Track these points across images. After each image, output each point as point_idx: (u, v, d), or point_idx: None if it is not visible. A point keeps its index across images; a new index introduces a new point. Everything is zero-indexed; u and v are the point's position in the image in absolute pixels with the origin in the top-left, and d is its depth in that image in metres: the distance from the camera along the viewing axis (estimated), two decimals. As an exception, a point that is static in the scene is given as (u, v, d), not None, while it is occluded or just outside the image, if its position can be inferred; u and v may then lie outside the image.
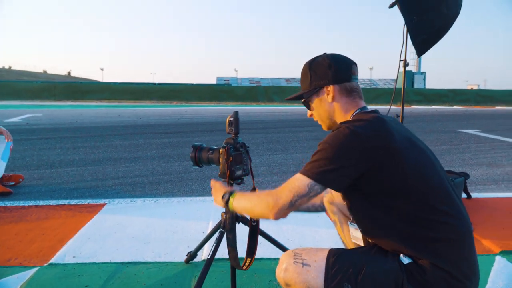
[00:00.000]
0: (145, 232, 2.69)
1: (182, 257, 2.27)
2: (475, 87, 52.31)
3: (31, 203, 3.38)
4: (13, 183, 3.92)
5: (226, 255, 1.64)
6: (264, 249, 2.22)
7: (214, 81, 53.80)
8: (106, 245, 2.47)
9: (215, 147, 1.79)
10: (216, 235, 1.86)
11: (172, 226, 2.81)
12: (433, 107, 21.70)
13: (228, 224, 1.72)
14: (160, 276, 2.09)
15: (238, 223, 1.85)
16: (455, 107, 22.24)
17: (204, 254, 2.33)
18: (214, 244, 1.80)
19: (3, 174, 3.74)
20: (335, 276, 1.22)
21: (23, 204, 3.33)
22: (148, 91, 24.55)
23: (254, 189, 1.76)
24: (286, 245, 2.14)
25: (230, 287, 1.81)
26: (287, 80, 56.16)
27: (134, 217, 2.99)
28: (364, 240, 1.47)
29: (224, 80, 53.83)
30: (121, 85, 26.62)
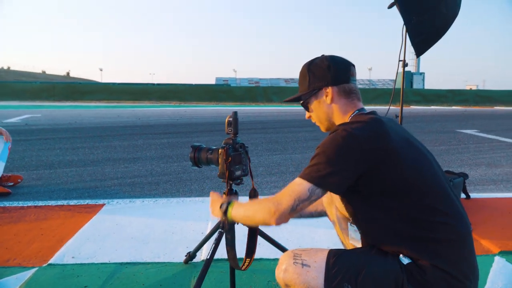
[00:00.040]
0: (144, 233, 2.68)
1: (181, 258, 2.27)
2: (474, 88, 52.33)
3: (30, 203, 3.38)
4: (12, 184, 3.91)
5: (225, 256, 1.64)
6: (263, 249, 2.22)
7: (213, 82, 53.87)
8: (105, 245, 2.47)
9: (214, 148, 1.79)
10: (215, 235, 1.86)
11: (171, 226, 2.80)
12: (432, 107, 21.73)
13: (227, 224, 1.72)
14: (159, 276, 2.09)
15: (237, 224, 1.85)
16: (454, 107, 22.27)
17: (203, 254, 2.32)
18: (213, 245, 1.80)
19: (2, 175, 3.73)
20: (335, 277, 1.22)
21: (22, 205, 3.33)
22: (147, 91, 24.53)
23: (253, 190, 1.76)
24: (285, 246, 2.14)
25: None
26: (286, 80, 56.21)
27: (133, 218, 2.98)
28: (363, 243, 1.47)
29: (223, 81, 53.87)
30: (120, 85, 26.62)
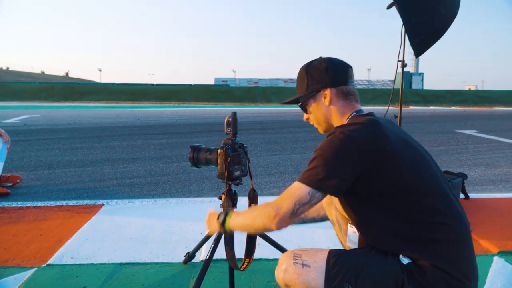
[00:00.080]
0: (143, 233, 2.68)
1: (180, 258, 2.27)
2: (473, 88, 52.46)
3: (29, 204, 3.37)
4: (10, 184, 3.91)
5: (224, 256, 1.63)
6: (262, 249, 2.22)
7: (212, 82, 53.80)
8: (104, 246, 2.47)
9: (213, 148, 1.79)
10: (214, 235, 1.85)
11: (170, 227, 2.80)
12: (431, 107, 21.76)
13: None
14: (158, 277, 2.08)
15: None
16: (453, 107, 22.30)
17: (202, 255, 2.32)
18: (212, 245, 1.80)
19: (1, 175, 3.72)
20: (336, 277, 1.22)
21: (20, 205, 3.32)
22: (146, 91, 24.53)
23: (252, 190, 1.76)
24: (284, 246, 2.14)
25: (229, 288, 1.81)
26: (285, 81, 56.19)
27: (132, 218, 2.98)
28: (361, 245, 1.47)
29: (222, 81, 53.82)
30: (119, 85, 26.62)
